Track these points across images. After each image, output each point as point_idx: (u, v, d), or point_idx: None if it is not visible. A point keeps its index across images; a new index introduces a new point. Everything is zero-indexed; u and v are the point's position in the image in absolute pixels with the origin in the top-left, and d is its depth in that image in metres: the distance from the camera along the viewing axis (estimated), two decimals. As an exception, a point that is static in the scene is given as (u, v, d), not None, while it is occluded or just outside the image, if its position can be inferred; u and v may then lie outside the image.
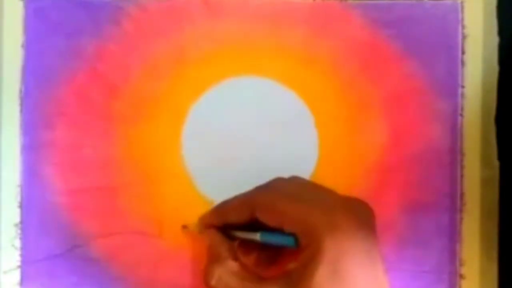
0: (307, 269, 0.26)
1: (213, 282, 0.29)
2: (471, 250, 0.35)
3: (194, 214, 0.35)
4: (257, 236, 0.29)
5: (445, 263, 0.35)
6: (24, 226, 0.35)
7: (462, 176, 0.35)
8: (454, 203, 0.35)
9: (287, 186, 0.29)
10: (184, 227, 0.34)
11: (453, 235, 0.35)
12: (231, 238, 0.31)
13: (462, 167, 0.35)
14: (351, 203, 0.28)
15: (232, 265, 0.29)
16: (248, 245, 0.31)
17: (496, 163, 0.35)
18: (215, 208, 0.33)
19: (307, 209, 0.27)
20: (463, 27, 0.35)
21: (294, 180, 0.31)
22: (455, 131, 0.35)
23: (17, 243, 0.35)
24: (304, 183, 0.30)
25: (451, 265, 0.35)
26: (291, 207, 0.27)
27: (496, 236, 0.35)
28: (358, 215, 0.27)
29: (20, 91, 0.35)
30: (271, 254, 0.31)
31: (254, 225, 0.29)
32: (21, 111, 0.35)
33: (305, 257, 0.26)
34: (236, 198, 0.31)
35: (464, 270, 0.35)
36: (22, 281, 0.35)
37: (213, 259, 0.30)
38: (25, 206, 0.35)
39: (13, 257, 0.35)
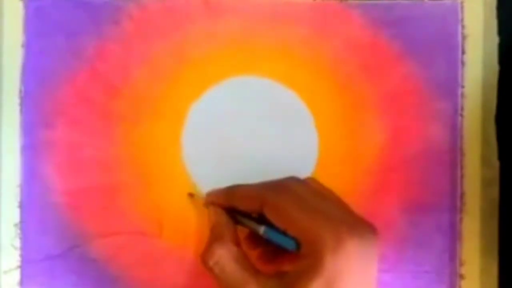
0: (302, 278, 0.26)
1: (211, 262, 0.29)
2: (471, 250, 0.35)
3: (194, 214, 0.35)
4: (260, 230, 0.29)
5: (445, 263, 0.35)
6: (24, 226, 0.35)
7: (462, 176, 0.35)
8: (454, 203, 0.35)
9: (300, 189, 0.29)
10: (191, 195, 0.34)
11: (453, 235, 0.35)
12: (235, 221, 0.31)
13: (462, 167, 0.35)
14: (358, 224, 0.28)
15: (233, 249, 0.29)
16: (254, 236, 0.31)
17: (496, 163, 0.35)
18: (225, 189, 0.32)
19: (315, 221, 0.27)
20: (463, 27, 0.35)
21: (308, 184, 0.30)
22: (455, 131, 0.35)
23: (17, 243, 0.35)
24: (317, 190, 0.30)
25: (451, 265, 0.35)
26: (300, 214, 0.27)
27: (496, 236, 0.35)
28: (363, 238, 0.27)
29: (20, 91, 0.35)
30: (272, 250, 0.31)
31: (261, 216, 0.29)
32: (21, 111, 0.35)
33: (304, 265, 0.26)
34: (248, 188, 0.31)
35: (464, 270, 0.35)
36: (22, 281, 0.35)
37: (215, 238, 0.30)
38: (25, 206, 0.35)
39: (13, 257, 0.35)
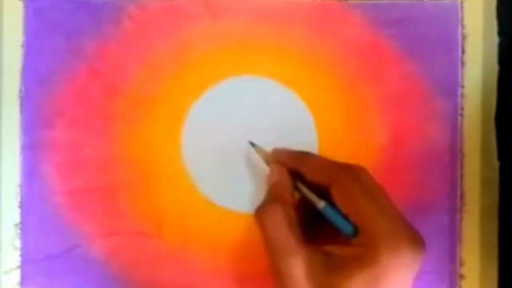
0: (351, 265, 0.26)
1: (265, 221, 0.28)
2: (471, 250, 0.35)
3: (194, 214, 0.35)
4: (320, 204, 0.29)
5: (445, 263, 0.35)
6: (24, 226, 0.35)
7: (462, 176, 0.35)
8: (454, 203, 0.35)
9: (370, 181, 0.29)
10: (252, 144, 0.33)
11: (453, 235, 0.35)
12: (295, 185, 0.31)
13: (462, 167, 0.35)
14: (415, 234, 0.28)
15: (290, 213, 0.28)
16: (304, 207, 0.30)
17: (496, 163, 0.35)
18: (297, 152, 0.32)
19: (380, 215, 0.27)
20: (463, 27, 0.35)
21: (375, 180, 0.30)
22: (455, 131, 0.35)
23: (17, 243, 0.35)
24: (380, 188, 0.29)
25: (451, 265, 0.35)
26: (368, 203, 0.27)
27: (496, 236, 0.35)
28: (417, 249, 0.27)
29: (20, 91, 0.35)
30: (325, 225, 0.30)
31: (323, 192, 0.29)
32: (21, 111, 0.35)
33: (355, 253, 0.26)
34: (322, 160, 0.30)
35: (464, 270, 0.35)
36: (22, 281, 0.35)
37: (274, 198, 0.30)
38: (25, 206, 0.35)
39: (13, 257, 0.35)
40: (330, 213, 0.28)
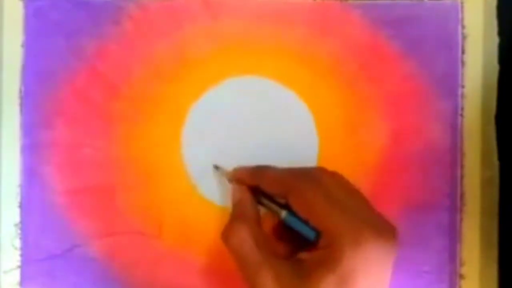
0: (318, 269, 0.26)
1: (231, 240, 0.29)
2: (471, 250, 0.35)
3: (194, 214, 0.35)
4: (282, 214, 0.29)
5: (445, 263, 0.35)
6: (24, 226, 0.35)
7: (462, 176, 0.35)
8: (454, 203, 0.35)
9: (327, 181, 0.29)
10: (216, 167, 0.34)
11: (453, 235, 0.35)
12: (258, 201, 0.31)
13: (462, 167, 0.35)
14: (381, 225, 0.28)
15: (255, 229, 0.29)
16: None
17: (496, 163, 0.35)
18: (253, 168, 0.32)
19: (338, 215, 0.27)
20: (463, 27, 0.35)
21: (335, 177, 0.30)
22: (455, 131, 0.35)
23: (17, 243, 0.35)
24: (344, 185, 0.30)
25: (451, 265, 0.35)
26: (324, 206, 0.27)
27: (496, 236, 0.35)
28: (383, 238, 0.27)
29: (20, 91, 0.35)
30: (291, 236, 0.30)
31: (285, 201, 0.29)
32: (21, 111, 0.35)
33: (321, 256, 0.26)
34: (276, 171, 0.31)
35: (464, 270, 0.35)
36: (22, 281, 0.35)
37: (237, 216, 0.30)
38: (25, 206, 0.35)
39: (13, 257, 0.35)
40: (292, 221, 0.29)
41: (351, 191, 0.29)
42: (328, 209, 0.27)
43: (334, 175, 0.30)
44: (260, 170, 0.32)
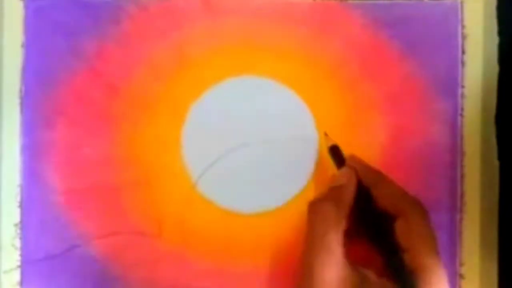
0: None
1: (318, 215, 0.28)
2: (471, 250, 0.35)
3: (194, 214, 0.35)
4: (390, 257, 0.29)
5: (445, 263, 0.35)
6: (24, 226, 0.35)
7: (462, 176, 0.35)
8: (454, 203, 0.35)
9: (427, 222, 0.30)
10: (326, 134, 0.34)
11: (453, 235, 0.35)
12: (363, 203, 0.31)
13: (462, 167, 0.35)
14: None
15: (342, 220, 0.29)
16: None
17: (496, 163, 0.35)
18: (372, 171, 0.32)
19: (430, 260, 0.28)
20: (463, 27, 0.35)
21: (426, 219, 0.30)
22: (455, 131, 0.35)
23: (17, 243, 0.35)
24: (432, 232, 0.30)
25: (451, 265, 0.35)
26: (424, 247, 0.28)
27: (496, 236, 0.35)
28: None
29: (20, 91, 0.35)
30: (366, 246, 0.31)
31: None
32: (21, 111, 0.35)
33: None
34: (394, 188, 0.31)
35: (464, 270, 0.35)
36: (22, 281, 0.35)
37: (334, 199, 0.29)
38: (25, 206, 0.35)
39: (13, 257, 0.35)
40: (395, 266, 0.28)
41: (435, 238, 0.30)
42: (425, 249, 0.28)
43: (429, 217, 0.30)
44: (379, 177, 0.31)
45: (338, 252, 0.27)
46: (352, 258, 0.29)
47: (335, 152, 0.33)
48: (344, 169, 0.32)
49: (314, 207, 0.29)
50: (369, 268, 0.29)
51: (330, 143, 0.33)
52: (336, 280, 0.26)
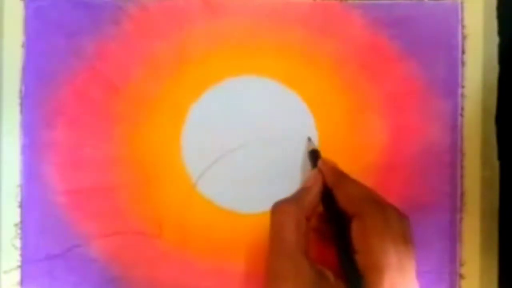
0: None
1: (277, 217, 0.29)
2: (471, 250, 0.35)
3: (194, 214, 0.35)
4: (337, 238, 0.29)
5: (445, 263, 0.35)
6: (24, 226, 0.35)
7: (462, 176, 0.35)
8: (454, 203, 0.35)
9: (394, 225, 0.29)
10: (309, 139, 0.34)
11: (453, 235, 0.35)
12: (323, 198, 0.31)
13: (462, 167, 0.35)
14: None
15: (302, 220, 0.29)
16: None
17: (496, 163, 0.35)
18: (338, 172, 0.32)
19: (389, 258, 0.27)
20: (463, 27, 0.35)
21: (404, 223, 0.30)
22: (455, 131, 0.35)
23: (17, 243, 0.35)
24: (407, 236, 0.29)
25: (451, 265, 0.35)
26: (381, 245, 0.28)
27: (496, 236, 0.35)
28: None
29: (20, 91, 0.35)
30: (327, 246, 0.31)
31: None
32: (21, 111, 0.35)
33: None
34: (355, 189, 0.30)
35: (464, 270, 0.35)
36: (22, 281, 0.35)
37: (296, 199, 0.30)
38: (25, 206, 0.35)
39: (13, 257, 0.35)
40: (343, 257, 0.29)
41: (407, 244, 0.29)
42: (380, 247, 0.27)
43: (403, 221, 0.29)
44: (342, 177, 0.31)
45: (294, 249, 0.27)
46: (316, 257, 0.29)
47: (314, 155, 0.33)
48: (313, 171, 0.32)
49: (275, 207, 0.29)
50: (330, 268, 0.29)
51: (311, 148, 0.34)
52: (293, 277, 0.27)
